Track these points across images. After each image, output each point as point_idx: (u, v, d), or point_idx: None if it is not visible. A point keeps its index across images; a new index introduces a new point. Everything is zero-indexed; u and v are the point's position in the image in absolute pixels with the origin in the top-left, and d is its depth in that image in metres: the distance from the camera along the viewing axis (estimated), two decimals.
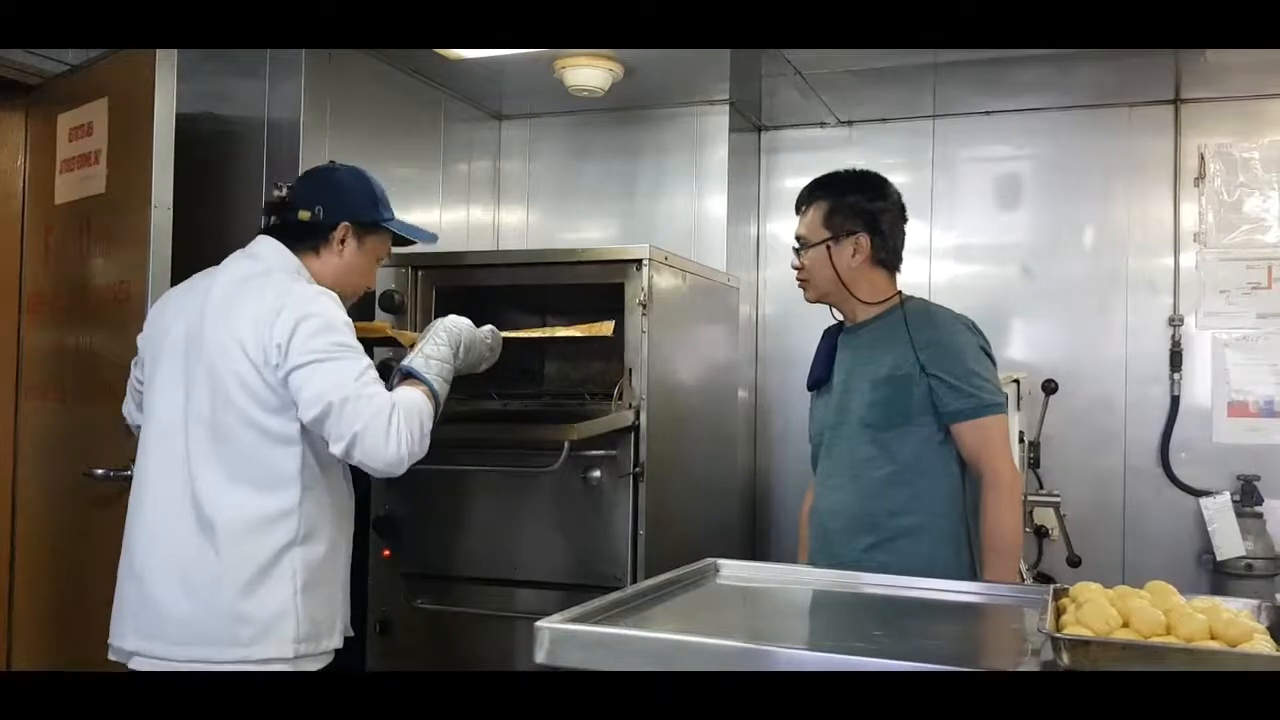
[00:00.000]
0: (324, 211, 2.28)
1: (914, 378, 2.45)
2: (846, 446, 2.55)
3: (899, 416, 2.47)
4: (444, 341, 2.29)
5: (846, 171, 2.66)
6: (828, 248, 2.55)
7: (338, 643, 2.22)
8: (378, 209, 2.37)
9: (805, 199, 2.63)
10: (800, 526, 2.81)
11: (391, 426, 2.04)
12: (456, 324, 2.37)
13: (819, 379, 2.69)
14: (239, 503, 2.11)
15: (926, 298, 2.70)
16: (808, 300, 2.67)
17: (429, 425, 2.13)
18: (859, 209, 2.57)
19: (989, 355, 2.54)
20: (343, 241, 2.31)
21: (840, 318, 2.70)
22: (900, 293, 2.61)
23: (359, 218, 2.33)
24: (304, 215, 2.28)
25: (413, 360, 2.24)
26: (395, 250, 3.29)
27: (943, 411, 2.45)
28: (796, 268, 2.63)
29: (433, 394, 2.18)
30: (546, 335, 3.14)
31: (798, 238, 2.63)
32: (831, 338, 2.70)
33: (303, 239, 2.30)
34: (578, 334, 2.98)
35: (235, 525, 2.11)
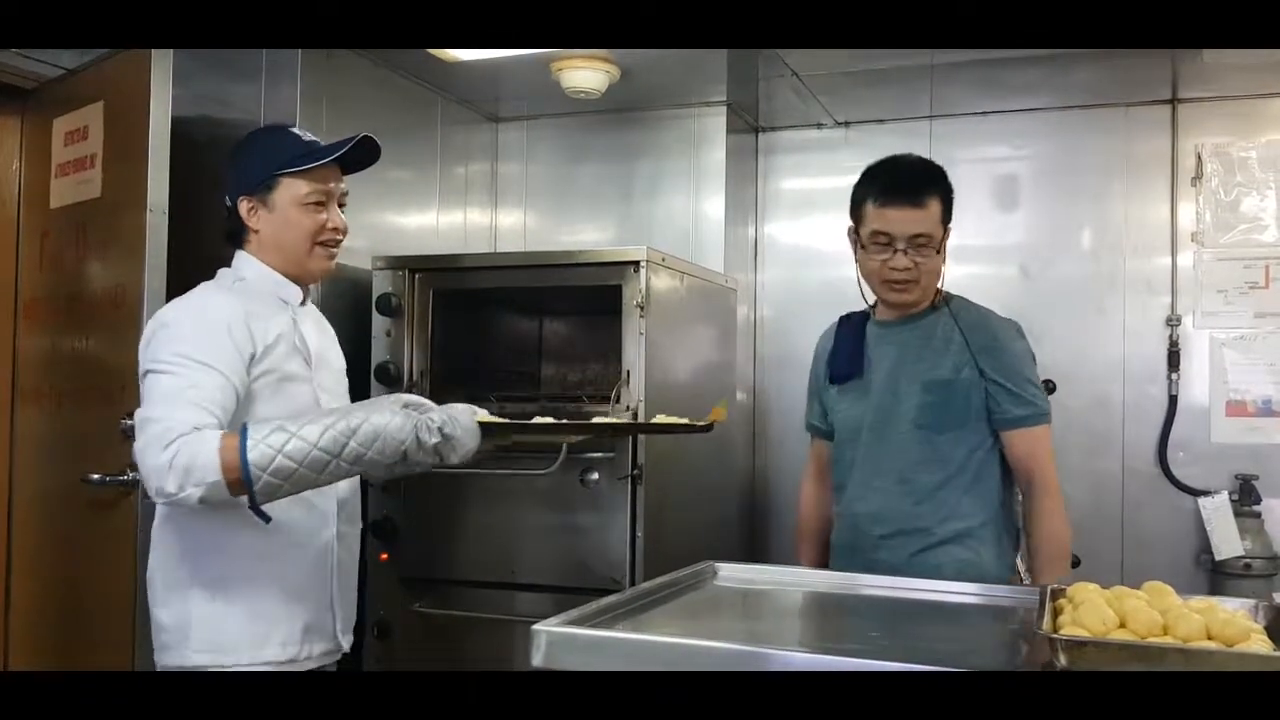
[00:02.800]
0: (230, 198, 2.19)
1: (973, 382, 2.40)
2: (893, 448, 2.45)
3: (954, 420, 2.41)
4: (339, 423, 1.93)
5: (920, 158, 2.52)
6: (944, 244, 2.43)
7: (276, 655, 2.11)
8: (265, 163, 2.16)
9: (923, 189, 2.40)
10: (800, 525, 2.75)
11: (164, 454, 1.87)
12: (383, 425, 1.94)
13: (850, 373, 2.55)
14: (157, 515, 2.15)
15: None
16: (907, 302, 2.45)
17: (209, 479, 1.88)
18: (953, 202, 2.45)
19: (1034, 360, 2.51)
20: (255, 212, 2.17)
21: (865, 307, 2.58)
22: (938, 289, 2.51)
23: (249, 185, 2.16)
24: (225, 213, 2.21)
25: (263, 427, 1.92)
26: (392, 254, 3.30)
27: (999, 418, 2.41)
28: (905, 267, 2.38)
29: (241, 462, 1.88)
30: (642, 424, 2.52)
31: (919, 235, 2.37)
32: (856, 328, 2.58)
33: (231, 235, 2.22)
34: (670, 422, 2.36)
35: (156, 534, 2.15)
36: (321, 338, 2.30)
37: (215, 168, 2.27)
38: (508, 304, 3.74)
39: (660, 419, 2.32)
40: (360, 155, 2.23)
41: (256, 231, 2.18)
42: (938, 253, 2.41)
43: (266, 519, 1.97)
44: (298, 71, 3.22)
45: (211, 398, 1.97)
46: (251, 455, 1.88)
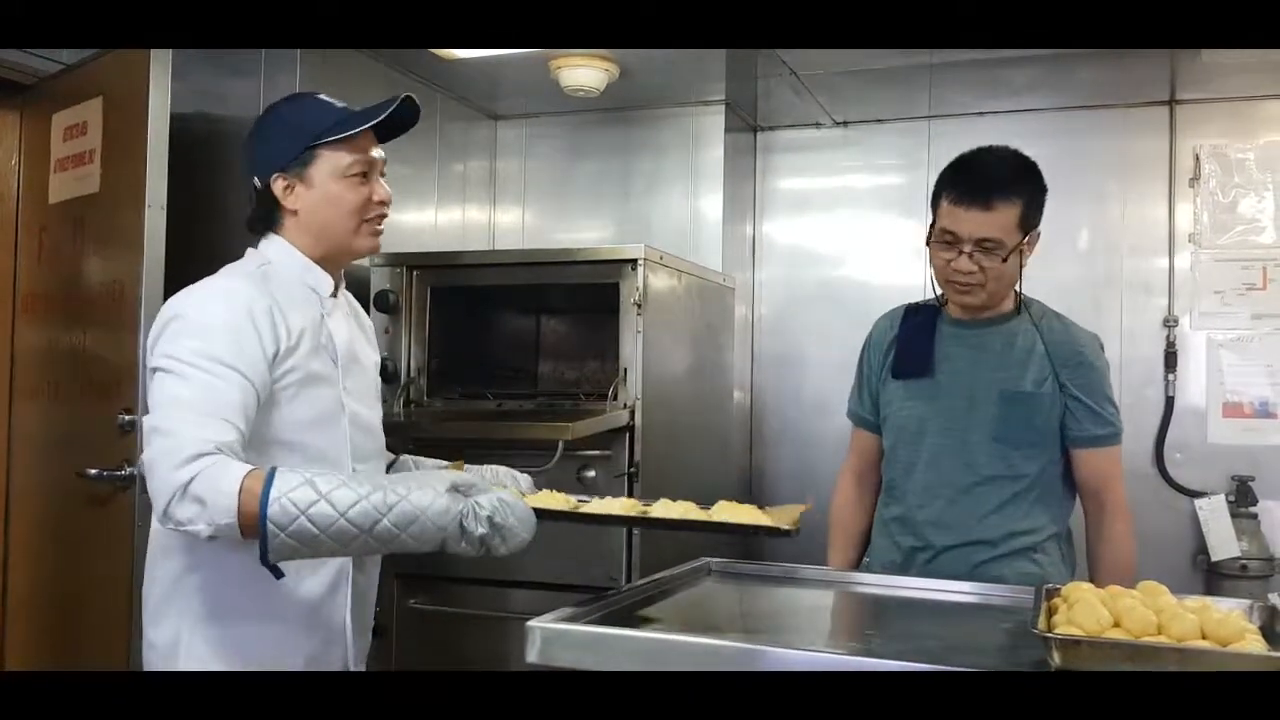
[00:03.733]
0: (259, 178, 1.96)
1: (1054, 397, 2.33)
2: (964, 458, 2.35)
3: (1034, 434, 2.33)
4: (374, 494, 1.71)
5: (1011, 154, 2.38)
6: (1021, 251, 2.31)
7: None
8: (303, 132, 1.95)
9: (998, 191, 2.27)
10: (837, 523, 2.61)
11: (178, 474, 1.65)
12: (424, 506, 1.74)
13: (919, 370, 2.42)
14: (153, 527, 1.90)
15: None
16: (970, 304, 2.37)
17: (221, 520, 1.65)
18: (1042, 204, 2.34)
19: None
20: (291, 190, 1.95)
21: (934, 300, 2.49)
22: (1016, 292, 2.42)
23: (285, 159, 1.94)
24: (253, 196, 1.98)
25: (291, 479, 1.68)
26: (390, 251, 3.29)
27: (1078, 435, 2.34)
28: (969, 270, 2.28)
29: (260, 514, 1.64)
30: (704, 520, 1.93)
31: (986, 240, 2.26)
32: (926, 322, 2.46)
33: (263, 218, 1.98)
34: (742, 522, 1.88)
35: (154, 544, 1.93)
36: (353, 333, 2.08)
37: (213, 164, 2.25)
38: (506, 301, 3.74)
39: (728, 515, 1.90)
40: (399, 120, 2.03)
41: (295, 212, 1.96)
42: (1005, 260, 2.27)
43: (278, 575, 1.73)
44: (296, 67, 3.22)
45: (232, 404, 1.74)
46: (271, 509, 1.64)
